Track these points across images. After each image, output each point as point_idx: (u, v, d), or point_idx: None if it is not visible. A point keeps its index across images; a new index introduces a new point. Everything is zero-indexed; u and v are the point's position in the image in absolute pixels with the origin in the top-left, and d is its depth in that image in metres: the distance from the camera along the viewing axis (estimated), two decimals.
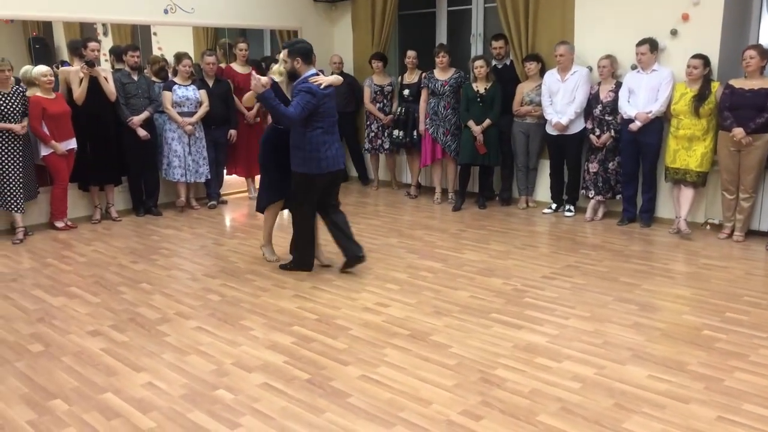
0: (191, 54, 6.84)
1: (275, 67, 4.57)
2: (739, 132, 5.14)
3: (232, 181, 7.52)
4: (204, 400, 2.98)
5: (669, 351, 3.42)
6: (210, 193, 7.05)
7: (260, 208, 4.92)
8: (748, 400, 2.91)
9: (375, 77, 7.47)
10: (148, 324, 3.88)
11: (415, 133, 7.18)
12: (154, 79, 6.61)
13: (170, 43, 7.16)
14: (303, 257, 4.79)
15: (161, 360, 3.40)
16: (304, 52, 4.39)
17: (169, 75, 6.73)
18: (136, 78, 6.34)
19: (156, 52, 7.05)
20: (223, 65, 7.27)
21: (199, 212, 6.81)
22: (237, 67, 7.18)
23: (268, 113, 7.37)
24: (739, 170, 5.32)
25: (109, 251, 5.41)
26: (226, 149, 7.06)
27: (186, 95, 6.50)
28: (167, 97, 6.45)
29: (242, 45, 7.16)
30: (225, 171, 7.30)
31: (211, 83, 6.79)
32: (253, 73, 4.23)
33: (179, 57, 6.54)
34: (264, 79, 4.23)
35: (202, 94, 6.63)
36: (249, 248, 5.45)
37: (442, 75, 6.83)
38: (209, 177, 6.84)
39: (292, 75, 4.44)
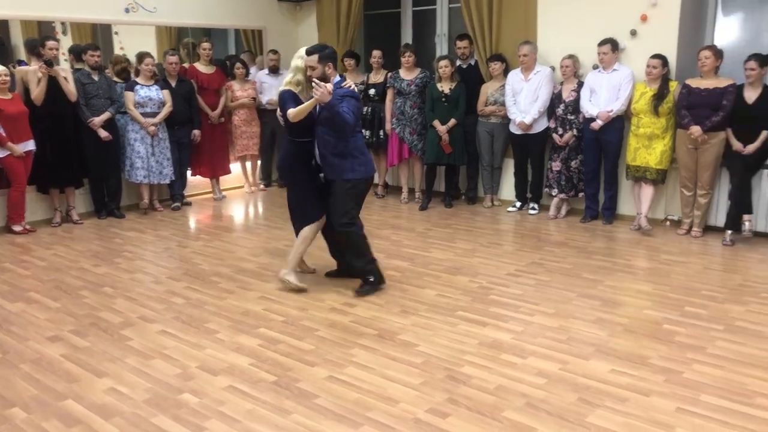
0: (154, 54, 6.74)
1: (291, 78, 4.23)
2: (696, 130, 5.26)
3: (196, 182, 7.42)
4: (168, 405, 2.94)
5: (631, 345, 3.48)
6: (174, 195, 6.96)
7: (306, 222, 4.38)
8: (705, 391, 2.98)
9: (347, 75, 7.44)
10: (111, 328, 3.81)
11: (381, 132, 7.19)
12: (115, 79, 6.50)
13: (132, 42, 7.05)
14: (374, 270, 4.38)
15: (124, 365, 3.34)
16: (334, 58, 4.21)
17: (131, 75, 6.62)
18: (96, 78, 6.22)
19: (118, 51, 6.94)
20: (186, 65, 7.18)
21: (162, 214, 6.71)
22: (201, 66, 7.10)
23: (234, 114, 7.38)
24: (696, 167, 5.45)
25: (69, 255, 5.30)
26: (189, 150, 6.98)
27: (149, 95, 6.41)
28: (129, 97, 6.34)
29: (206, 45, 7.09)
30: (189, 172, 7.21)
31: (174, 83, 6.70)
32: (316, 80, 3.89)
33: (141, 56, 6.45)
34: (329, 87, 3.92)
35: (165, 94, 6.54)
36: (214, 250, 5.40)
37: (408, 75, 6.85)
38: (173, 178, 6.75)
39: (322, 81, 4.05)
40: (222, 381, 3.16)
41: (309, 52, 4.15)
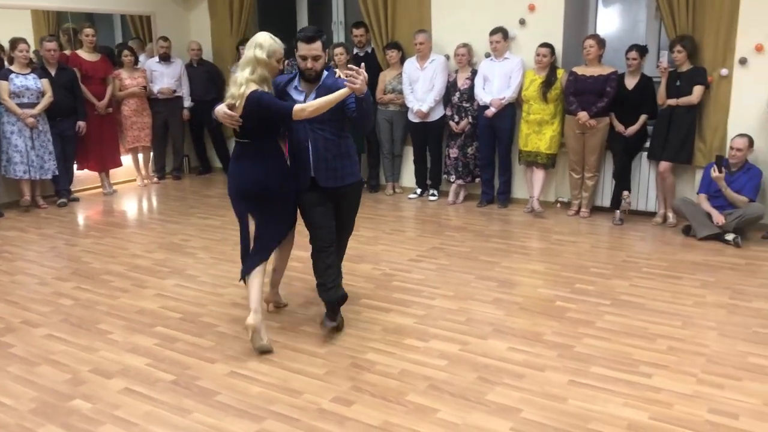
0: (30, 40, 6.28)
1: (252, 75, 3.21)
2: (583, 116, 5.53)
3: (84, 176, 7.02)
4: (58, 413, 2.77)
5: (526, 323, 3.63)
6: (59, 191, 6.55)
7: (278, 241, 3.55)
8: (595, 363, 3.15)
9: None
10: None
11: None
12: None
13: (5, 27, 6.52)
14: None
15: (6, 374, 3.11)
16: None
17: (5, 63, 6.15)
18: None
19: None
20: (68, 52, 6.76)
21: (47, 211, 6.31)
22: (84, 54, 6.70)
23: (123, 104, 7.02)
24: (583, 151, 5.74)
25: None
26: (74, 142, 6.58)
27: (25, 84, 5.97)
28: (2, 87, 5.88)
29: (88, 30, 6.69)
30: (75, 166, 6.81)
31: (53, 71, 6.28)
32: (353, 67, 3.12)
33: (14, 42, 6.00)
34: (364, 74, 3.15)
35: (44, 84, 6.12)
36: (105, 247, 5.13)
37: None
38: (56, 173, 6.34)
39: (322, 72, 3.38)
40: (117, 384, 3.01)
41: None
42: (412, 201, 6.62)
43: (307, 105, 3.23)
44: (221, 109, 3.29)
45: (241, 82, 3.22)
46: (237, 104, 3.21)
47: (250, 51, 3.24)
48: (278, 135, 3.46)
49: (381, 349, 3.33)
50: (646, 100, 5.49)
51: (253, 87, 3.20)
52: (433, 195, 6.61)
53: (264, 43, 3.24)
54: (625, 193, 5.56)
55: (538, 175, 5.94)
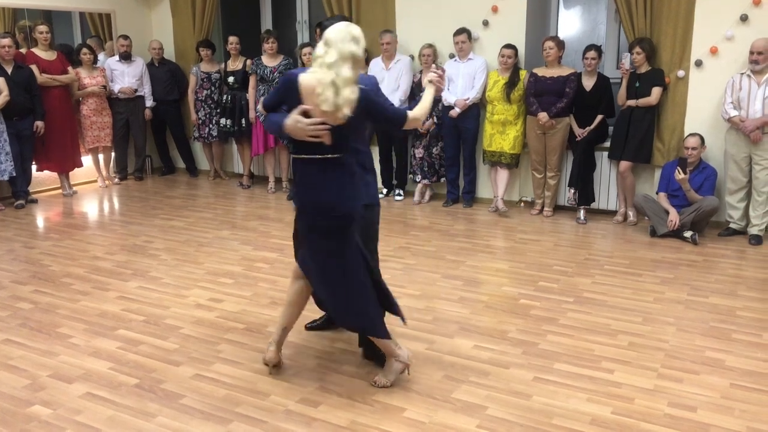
0: None
1: (353, 73, 2.69)
2: (543, 116, 5.61)
3: (43, 177, 6.86)
4: (16, 420, 2.71)
5: (491, 321, 3.67)
6: (16, 192, 6.39)
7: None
8: (558, 359, 3.21)
9: (203, 64, 7.24)
10: None
11: (243, 121, 7.03)
12: None
13: None
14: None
15: None
16: None
17: None
18: None
19: None
20: (24, 50, 6.59)
21: (4, 213, 6.14)
22: (40, 52, 6.54)
23: (82, 103, 6.87)
24: (545, 151, 5.83)
25: None
26: (32, 143, 6.42)
27: None
28: None
29: (42, 28, 6.54)
30: (34, 167, 6.64)
31: (9, 70, 6.12)
32: (438, 65, 2.89)
33: None
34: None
35: (0, 83, 5.95)
36: (65, 250, 5.02)
37: (271, 61, 6.73)
38: (13, 174, 6.18)
39: None
40: (78, 388, 2.95)
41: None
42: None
43: (418, 113, 2.92)
44: (299, 120, 2.69)
45: (344, 83, 2.65)
46: (340, 113, 2.67)
47: (345, 45, 2.67)
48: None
49: (347, 349, 3.33)
50: (604, 100, 5.59)
51: (357, 86, 2.71)
52: (399, 195, 6.64)
53: (360, 37, 2.72)
54: (571, 190, 5.75)
55: (502, 174, 6.01)
